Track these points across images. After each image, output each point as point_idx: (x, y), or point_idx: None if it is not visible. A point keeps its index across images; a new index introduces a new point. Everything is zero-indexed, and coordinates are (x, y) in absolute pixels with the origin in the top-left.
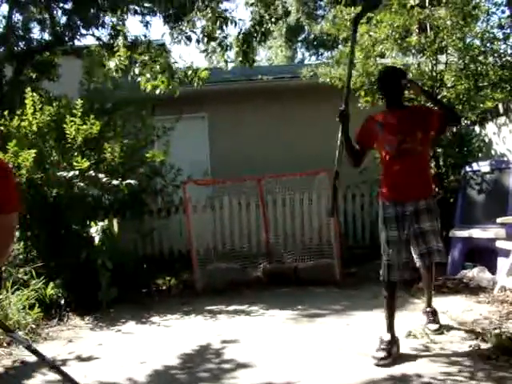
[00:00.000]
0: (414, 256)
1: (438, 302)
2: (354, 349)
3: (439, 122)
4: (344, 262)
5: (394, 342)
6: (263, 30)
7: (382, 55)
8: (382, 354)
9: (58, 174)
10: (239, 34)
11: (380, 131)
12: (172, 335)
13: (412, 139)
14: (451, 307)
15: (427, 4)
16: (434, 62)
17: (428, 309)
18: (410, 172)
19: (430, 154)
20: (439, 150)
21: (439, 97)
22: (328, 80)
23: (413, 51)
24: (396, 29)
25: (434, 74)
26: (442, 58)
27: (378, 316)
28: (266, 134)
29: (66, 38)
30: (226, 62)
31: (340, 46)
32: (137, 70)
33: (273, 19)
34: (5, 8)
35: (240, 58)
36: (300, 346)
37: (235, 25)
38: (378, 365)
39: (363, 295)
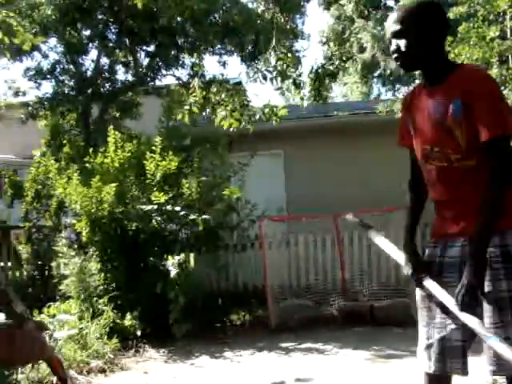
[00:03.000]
0: None
1: None
2: None
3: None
4: None
5: None
6: (335, 67)
7: None
8: None
9: (137, 208)
10: (311, 71)
11: (411, 128)
12: (244, 371)
13: (444, 151)
14: None
15: (508, 35)
16: None
17: None
18: (454, 189)
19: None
20: None
21: None
22: None
23: None
24: (475, 62)
25: None
26: None
27: None
28: (342, 170)
29: (148, 79)
30: (302, 99)
31: (417, 81)
32: (212, 109)
33: (344, 57)
34: (94, 53)
35: (312, 95)
36: None
37: (300, 66)
38: None
39: None
